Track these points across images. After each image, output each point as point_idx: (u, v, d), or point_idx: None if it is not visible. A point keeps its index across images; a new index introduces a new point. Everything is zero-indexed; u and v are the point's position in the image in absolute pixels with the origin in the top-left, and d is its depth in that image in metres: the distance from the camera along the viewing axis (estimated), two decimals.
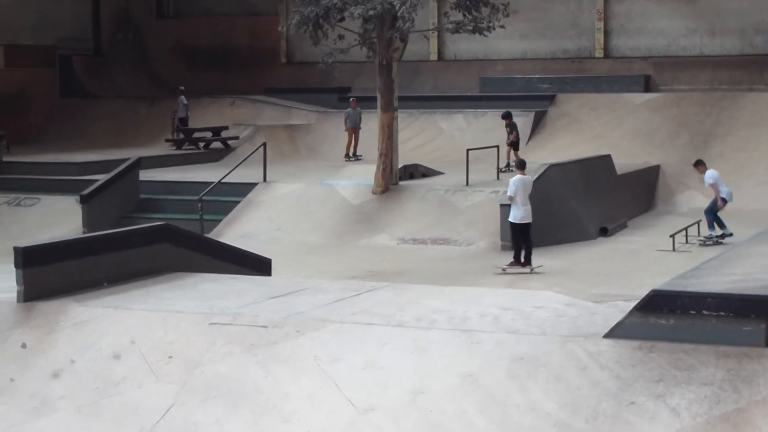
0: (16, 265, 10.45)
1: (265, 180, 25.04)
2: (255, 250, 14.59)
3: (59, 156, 28.85)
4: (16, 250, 10.58)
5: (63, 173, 27.01)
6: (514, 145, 26.07)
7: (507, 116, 26.33)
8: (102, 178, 25.23)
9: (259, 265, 13.25)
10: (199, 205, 22.89)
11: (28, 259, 10.52)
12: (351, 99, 30.36)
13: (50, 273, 10.68)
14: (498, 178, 24.40)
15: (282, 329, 9.34)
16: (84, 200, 24.13)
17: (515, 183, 18.98)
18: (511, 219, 19.16)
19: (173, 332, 9.60)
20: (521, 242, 19.04)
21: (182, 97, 31.67)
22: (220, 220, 23.72)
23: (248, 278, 12.00)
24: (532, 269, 18.76)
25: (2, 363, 9.65)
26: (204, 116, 32.73)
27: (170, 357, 9.28)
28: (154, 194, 25.67)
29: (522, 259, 18.96)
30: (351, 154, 28.94)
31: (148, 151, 29.44)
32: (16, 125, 31.86)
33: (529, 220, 18.97)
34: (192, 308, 10.09)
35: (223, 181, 24.43)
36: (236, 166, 25.35)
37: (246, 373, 8.91)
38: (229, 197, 24.31)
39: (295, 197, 24.25)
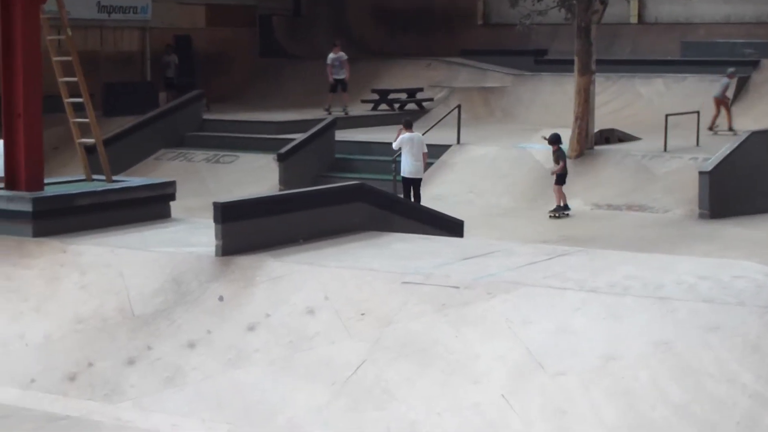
0: (216, 220, 10.71)
1: (458, 142, 25.02)
2: (447, 211, 14.62)
3: (258, 115, 29.37)
4: (216, 205, 10.83)
5: (261, 132, 27.49)
6: (559, 178, 21.37)
7: (555, 141, 21.54)
8: (299, 137, 25.60)
9: (452, 227, 13.28)
10: (393, 165, 23.01)
11: (227, 214, 10.76)
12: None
13: (248, 228, 10.90)
14: (697, 144, 23.85)
15: (473, 290, 9.32)
16: (281, 158, 24.55)
17: (402, 139, 20.68)
18: (401, 173, 20.87)
19: (366, 290, 9.69)
20: (410, 197, 20.39)
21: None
22: None
23: (441, 239, 12.02)
24: None
25: (200, 315, 9.90)
26: (400, 77, 32.83)
27: (363, 314, 9.37)
28: (348, 154, 25.93)
29: None
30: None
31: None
32: (216, 84, 32.54)
33: (418, 176, 20.79)
34: (385, 267, 10.16)
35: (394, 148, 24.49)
36: (430, 128, 25.37)
37: (437, 333, 8.93)
38: None
39: (488, 160, 24.17)
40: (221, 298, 10.01)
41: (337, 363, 8.96)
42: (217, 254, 10.63)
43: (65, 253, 11.19)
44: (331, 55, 29.64)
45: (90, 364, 9.60)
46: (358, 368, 8.82)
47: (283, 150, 24.71)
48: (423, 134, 22.48)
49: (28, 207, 11.71)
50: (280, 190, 22.22)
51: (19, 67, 12.04)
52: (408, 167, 20.74)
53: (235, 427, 8.54)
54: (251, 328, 9.57)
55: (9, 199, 11.91)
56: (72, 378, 9.50)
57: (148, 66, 32.07)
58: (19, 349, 10.03)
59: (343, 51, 29.62)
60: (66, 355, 9.82)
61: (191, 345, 9.54)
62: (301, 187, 19.23)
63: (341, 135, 26.44)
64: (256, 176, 24.77)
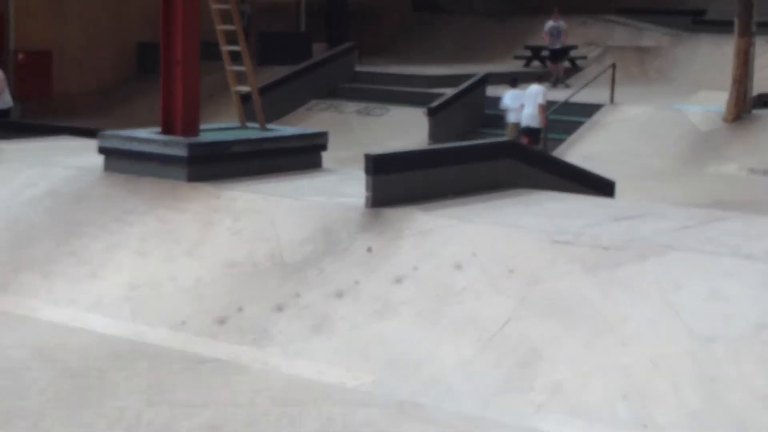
0: (366, 172, 10.75)
1: (612, 102, 24.68)
2: (597, 171, 14.43)
3: (409, 68, 29.36)
4: (367, 157, 10.86)
5: (412, 85, 27.49)
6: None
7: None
8: (449, 92, 25.54)
9: (603, 187, 13.12)
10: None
11: (378, 166, 10.79)
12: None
13: (397, 181, 10.93)
14: None
15: (624, 252, 9.20)
16: (431, 113, 24.53)
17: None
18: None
19: (514, 247, 9.63)
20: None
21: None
22: (564, 140, 23.59)
23: (591, 199, 11.89)
24: None
25: (348, 265, 9.97)
26: None
27: (510, 271, 9.33)
28: (499, 110, 25.78)
29: None
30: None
31: (496, 68, 29.50)
32: (368, 36, 32.61)
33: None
34: (534, 225, 10.09)
35: (569, 101, 24.24)
36: (583, 86, 25.09)
37: (585, 293, 8.85)
38: (574, 117, 24.12)
39: (641, 121, 23.80)
40: (370, 250, 10.06)
41: (483, 319, 8.94)
42: (366, 206, 10.68)
43: (218, 199, 11.37)
44: (549, 23, 28.51)
45: (239, 309, 9.76)
46: (504, 325, 8.79)
47: (434, 104, 24.68)
48: (575, 93, 22.24)
49: (183, 152, 11.92)
50: (429, 144, 22.22)
51: (179, 16, 12.22)
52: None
53: (379, 378, 8.59)
54: (398, 281, 9.60)
55: (165, 143, 12.14)
56: (221, 321, 9.67)
57: (302, 16, 32.28)
58: (171, 292, 10.25)
59: (506, 6, 28.66)
60: (216, 299, 10.00)
61: (339, 294, 9.62)
62: (450, 142, 19.24)
63: (492, 91, 26.27)
64: (405, 130, 24.80)
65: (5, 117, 19.18)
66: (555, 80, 28.01)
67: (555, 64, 28.60)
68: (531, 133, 21.99)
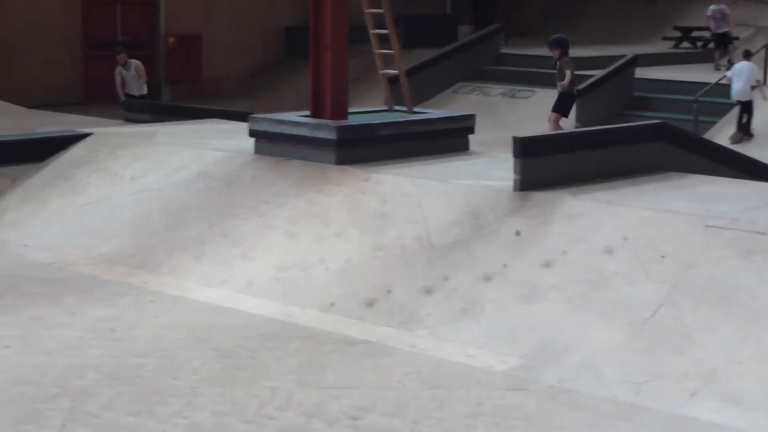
0: (514, 155, 10.69)
1: (765, 83, 24.06)
2: (753, 155, 14.12)
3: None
4: (515, 140, 10.80)
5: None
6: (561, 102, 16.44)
7: (557, 44, 16.82)
8: (596, 74, 25.22)
9: (758, 171, 12.81)
10: (694, 105, 22.38)
11: (526, 149, 10.73)
12: None
13: (545, 164, 10.84)
14: None
15: None
16: (579, 95, 24.23)
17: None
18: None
19: (667, 232, 9.47)
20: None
21: None
22: (715, 122, 23.09)
23: (747, 183, 11.61)
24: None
25: (497, 248, 9.93)
26: (703, 15, 31.80)
27: (662, 256, 9.18)
28: (647, 92, 25.37)
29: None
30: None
31: (644, 49, 29.03)
32: (514, 18, 32.40)
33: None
34: (686, 209, 9.90)
35: (720, 82, 23.73)
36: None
37: (741, 279, 8.65)
38: (725, 99, 23.59)
39: None
40: (518, 233, 10.00)
41: (635, 304, 8.82)
42: (514, 189, 10.62)
43: (366, 182, 11.42)
44: (712, 7, 27.46)
45: (388, 291, 9.80)
46: (656, 311, 8.66)
47: (582, 86, 24.39)
48: (725, 75, 21.77)
49: (332, 135, 12.01)
50: (577, 126, 21.99)
51: (328, 0, 12.31)
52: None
53: (528, 362, 8.54)
54: (547, 265, 9.53)
55: (314, 126, 12.25)
56: (370, 304, 9.72)
57: None
58: (321, 273, 10.33)
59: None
60: (365, 281, 10.05)
61: (487, 278, 9.59)
62: (598, 124, 19.01)
63: (641, 73, 25.88)
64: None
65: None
66: (717, 65, 27.23)
67: (719, 49, 27.76)
68: (743, 107, 21.98)
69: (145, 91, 19.86)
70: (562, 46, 14.05)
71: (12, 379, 8.18)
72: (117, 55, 20.02)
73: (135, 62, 19.86)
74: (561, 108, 15.19)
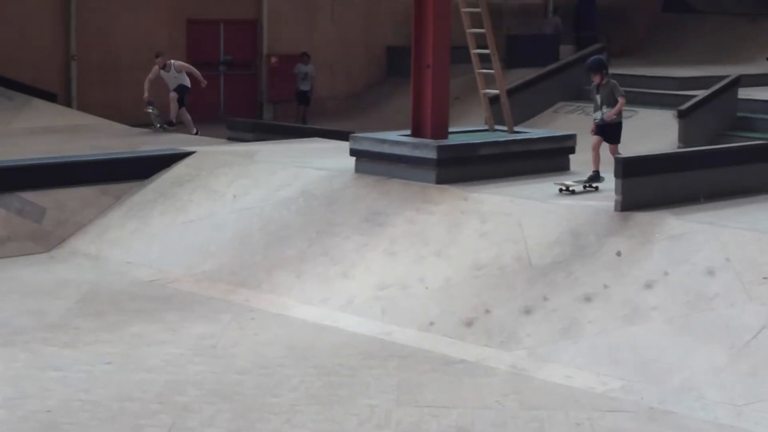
0: (616, 175, 10.65)
1: None
2: None
3: (658, 70, 28.78)
4: (617, 160, 10.80)
5: (661, 87, 26.92)
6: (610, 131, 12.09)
7: (595, 67, 12.27)
8: (700, 94, 24.94)
9: None
10: None
11: (628, 169, 10.67)
12: None
13: (647, 184, 10.78)
14: None
15: None
16: (681, 115, 23.99)
17: None
18: None
19: None
20: None
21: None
22: None
23: None
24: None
25: (597, 269, 9.88)
26: None
27: (764, 278, 9.05)
28: (750, 113, 25.02)
29: None
30: None
31: (748, 69, 28.63)
32: (618, 37, 32.21)
33: None
34: None
35: None
36: None
37: None
38: None
39: None
40: (619, 253, 9.94)
41: (736, 326, 8.71)
42: (615, 209, 10.57)
43: (466, 201, 11.44)
44: None
45: (487, 311, 9.79)
46: (758, 333, 8.55)
47: (684, 106, 24.12)
48: None
49: (432, 154, 12.05)
50: (679, 147, 21.76)
51: (430, 19, 12.38)
52: None
53: (629, 383, 8.48)
54: (648, 285, 9.45)
55: (415, 146, 12.30)
56: (469, 323, 9.72)
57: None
58: (420, 292, 10.36)
59: (757, 6, 27.22)
60: (464, 301, 10.06)
61: (587, 298, 9.54)
62: (701, 145, 18.80)
63: (745, 93, 25.54)
64: (654, 132, 24.29)
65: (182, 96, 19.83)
66: None
67: None
68: None
69: (188, 83, 19.97)
70: (603, 68, 11.97)
71: (114, 395, 8.32)
72: (156, 58, 20.06)
73: (176, 62, 20.07)
74: (615, 137, 13.00)
